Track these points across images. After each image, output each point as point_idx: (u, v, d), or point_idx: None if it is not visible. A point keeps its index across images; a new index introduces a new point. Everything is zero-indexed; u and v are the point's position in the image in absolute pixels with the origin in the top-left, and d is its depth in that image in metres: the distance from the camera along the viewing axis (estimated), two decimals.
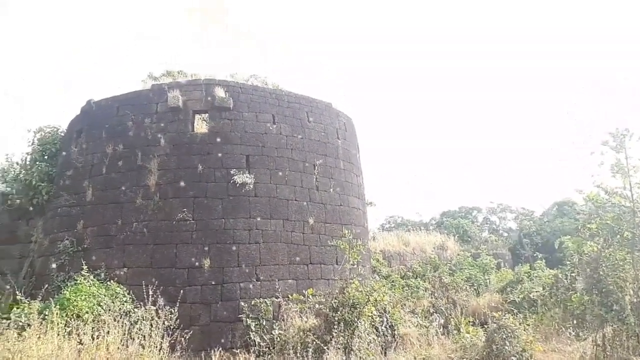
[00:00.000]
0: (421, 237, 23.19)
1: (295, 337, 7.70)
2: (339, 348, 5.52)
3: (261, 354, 8.46)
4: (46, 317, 7.28)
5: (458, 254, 23.46)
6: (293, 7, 73.21)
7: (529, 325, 8.50)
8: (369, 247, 14.70)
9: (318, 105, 12.91)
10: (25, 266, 11.98)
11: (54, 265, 10.69)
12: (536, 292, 12.81)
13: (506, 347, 6.68)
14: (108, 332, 7.05)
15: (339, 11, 73.62)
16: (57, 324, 6.85)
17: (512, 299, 13.72)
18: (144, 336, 7.18)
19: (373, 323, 6.88)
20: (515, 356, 6.78)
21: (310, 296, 9.16)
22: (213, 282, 10.01)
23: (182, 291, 9.48)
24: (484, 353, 6.94)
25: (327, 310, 7.23)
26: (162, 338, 6.94)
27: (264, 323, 9.72)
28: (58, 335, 6.71)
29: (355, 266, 8.95)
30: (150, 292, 7.69)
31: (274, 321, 9.86)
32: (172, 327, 7.46)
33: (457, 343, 7.48)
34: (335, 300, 7.26)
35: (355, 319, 6.55)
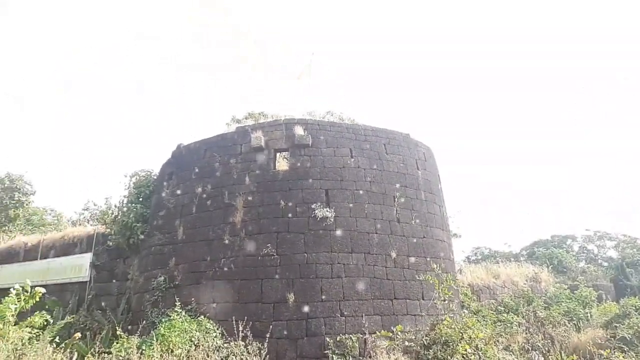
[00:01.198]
0: (511, 269, 21.94)
1: None
2: None
3: None
4: (143, 352, 7.66)
5: (553, 286, 21.99)
6: (293, 7, 73.63)
7: None
8: (457, 280, 14.10)
9: (395, 136, 12.85)
10: (123, 303, 12.72)
11: (148, 302, 11.26)
12: None
13: None
14: None
15: (339, 11, 73.31)
16: (154, 358, 7.15)
17: (620, 335, 12.45)
18: None
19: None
20: None
21: (399, 332, 8.86)
22: (298, 317, 10.02)
23: (268, 326, 9.58)
24: None
25: (418, 347, 6.92)
26: None
27: None
28: None
29: (446, 301, 8.54)
30: (241, 328, 7.83)
31: (361, 358, 9.64)
32: None
33: None
34: (427, 338, 6.94)
35: (449, 357, 6.20)
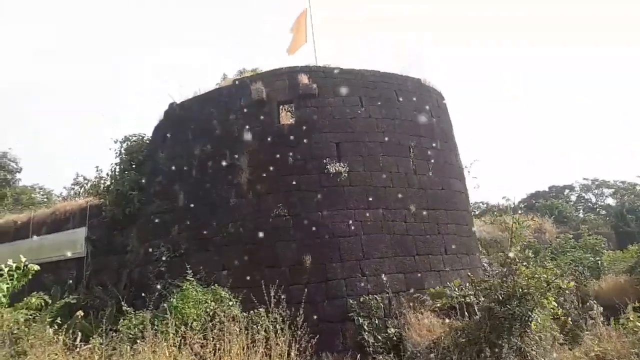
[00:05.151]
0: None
1: (444, 340, 6.63)
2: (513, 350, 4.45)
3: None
4: (157, 327, 6.90)
5: (557, 237, 21.71)
6: None
7: None
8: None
9: (407, 81, 11.88)
10: (124, 276, 11.92)
11: (152, 274, 10.49)
12: None
13: None
14: (217, 338, 6.50)
15: None
16: (170, 334, 6.39)
17: None
18: (255, 341, 6.58)
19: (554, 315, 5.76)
20: None
21: (456, 288, 8.12)
22: (316, 280, 9.34)
23: (287, 291, 8.85)
24: None
25: (491, 303, 6.07)
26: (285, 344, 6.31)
27: (377, 322, 8.93)
28: (172, 346, 6.24)
29: (519, 249, 7.57)
30: (270, 294, 7.11)
31: (386, 319, 9.07)
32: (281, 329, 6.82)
33: (633, 335, 6.22)
34: (501, 291, 6.14)
35: (529, 312, 5.45)
